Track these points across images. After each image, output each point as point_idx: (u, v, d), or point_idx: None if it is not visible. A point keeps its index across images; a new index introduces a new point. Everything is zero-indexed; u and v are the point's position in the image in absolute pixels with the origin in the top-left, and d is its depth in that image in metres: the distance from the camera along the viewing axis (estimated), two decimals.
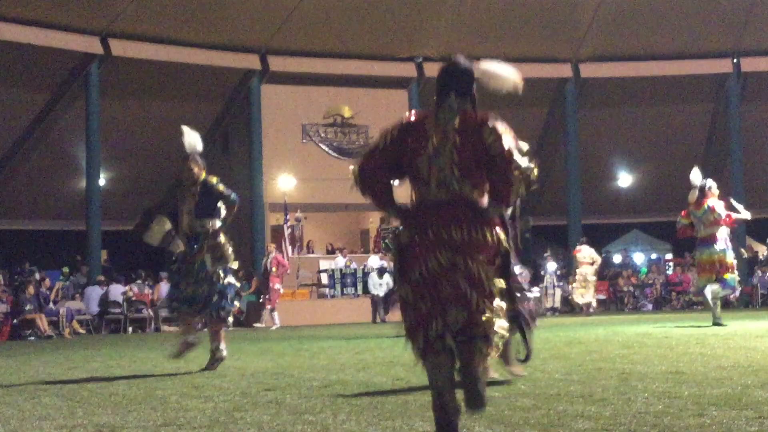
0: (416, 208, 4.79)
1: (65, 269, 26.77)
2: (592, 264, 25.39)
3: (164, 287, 24.69)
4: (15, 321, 21.81)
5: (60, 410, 6.41)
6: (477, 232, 4.64)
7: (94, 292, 24.27)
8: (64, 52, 26.28)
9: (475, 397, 4.57)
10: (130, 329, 23.86)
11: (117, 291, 24.24)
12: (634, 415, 5.19)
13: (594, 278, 25.51)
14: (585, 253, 25.46)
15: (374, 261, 26.80)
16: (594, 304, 25.65)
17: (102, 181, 28.07)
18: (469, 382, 4.58)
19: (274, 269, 23.57)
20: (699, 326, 14.60)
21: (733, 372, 7.22)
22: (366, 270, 26.15)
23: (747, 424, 4.75)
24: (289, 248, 26.74)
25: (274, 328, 22.65)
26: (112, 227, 28.02)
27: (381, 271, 25.54)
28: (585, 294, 25.35)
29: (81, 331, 23.26)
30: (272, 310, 23.48)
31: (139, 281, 25.66)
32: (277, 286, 23.51)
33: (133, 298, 24.46)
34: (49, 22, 25.63)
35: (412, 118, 4.89)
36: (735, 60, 31.29)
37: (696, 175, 14.86)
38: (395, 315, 25.33)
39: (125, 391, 7.51)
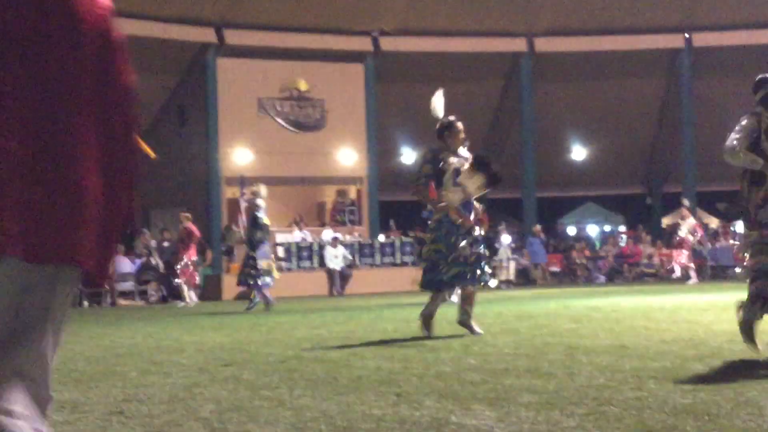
0: None
1: None
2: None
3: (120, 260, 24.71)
4: None
5: None
6: None
7: None
8: None
9: None
10: (85, 303, 23.89)
11: None
12: (576, 388, 5.43)
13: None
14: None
15: (328, 234, 27.02)
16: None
17: None
18: None
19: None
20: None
21: (675, 346, 7.52)
22: (321, 243, 26.32)
23: (681, 396, 5.00)
24: (245, 221, 26.69)
25: (190, 305, 20.57)
26: None
27: (335, 240, 25.87)
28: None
29: None
30: (185, 284, 21.09)
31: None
32: (194, 258, 21.34)
33: None
34: None
35: None
36: (687, 35, 31.71)
37: None
38: (350, 288, 25.60)
39: (85, 368, 7.64)
